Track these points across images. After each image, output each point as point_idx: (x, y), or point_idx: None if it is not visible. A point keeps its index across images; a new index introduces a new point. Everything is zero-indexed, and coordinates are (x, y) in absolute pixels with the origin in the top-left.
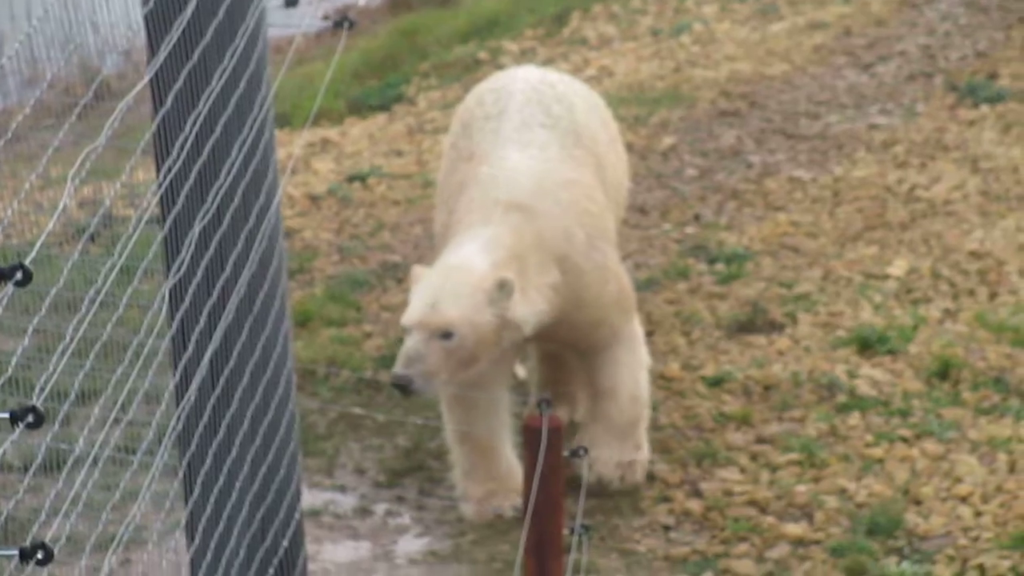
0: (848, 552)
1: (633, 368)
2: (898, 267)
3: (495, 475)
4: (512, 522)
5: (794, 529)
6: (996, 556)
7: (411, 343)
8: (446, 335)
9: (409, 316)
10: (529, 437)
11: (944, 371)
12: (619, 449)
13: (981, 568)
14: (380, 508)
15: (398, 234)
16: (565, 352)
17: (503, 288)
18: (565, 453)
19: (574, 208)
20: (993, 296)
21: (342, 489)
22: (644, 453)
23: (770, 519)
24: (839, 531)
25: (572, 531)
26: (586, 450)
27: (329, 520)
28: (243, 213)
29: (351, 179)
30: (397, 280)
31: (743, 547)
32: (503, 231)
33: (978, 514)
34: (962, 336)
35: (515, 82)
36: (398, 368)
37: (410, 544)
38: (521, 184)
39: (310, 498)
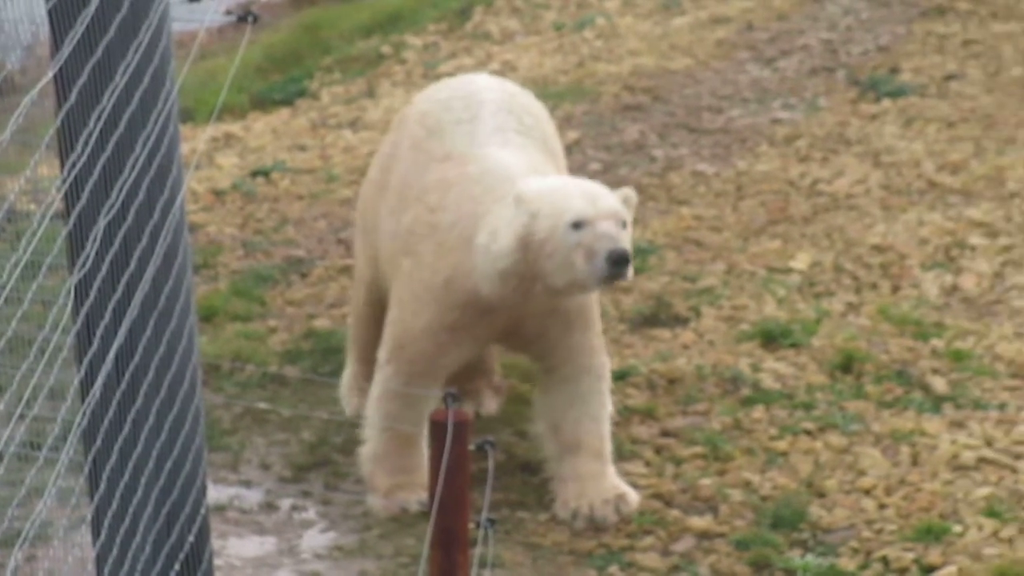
0: (753, 545)
1: (599, 421)
2: (801, 261)
3: (405, 468)
4: (418, 516)
5: (699, 522)
6: (900, 548)
7: (610, 228)
8: (624, 225)
9: (587, 209)
10: (435, 431)
11: (847, 364)
12: (600, 489)
13: (885, 560)
14: (285, 503)
15: (302, 229)
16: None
17: (627, 201)
18: (471, 447)
19: None
20: (895, 289)
21: (247, 484)
22: (625, 487)
23: (675, 512)
24: (744, 524)
25: (478, 525)
26: (492, 443)
27: (234, 515)
28: (148, 208)
29: (255, 174)
30: (301, 275)
31: (648, 540)
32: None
33: (882, 506)
34: (865, 329)
35: (483, 90)
36: (620, 245)
37: (315, 539)
38: (515, 171)
39: (215, 493)
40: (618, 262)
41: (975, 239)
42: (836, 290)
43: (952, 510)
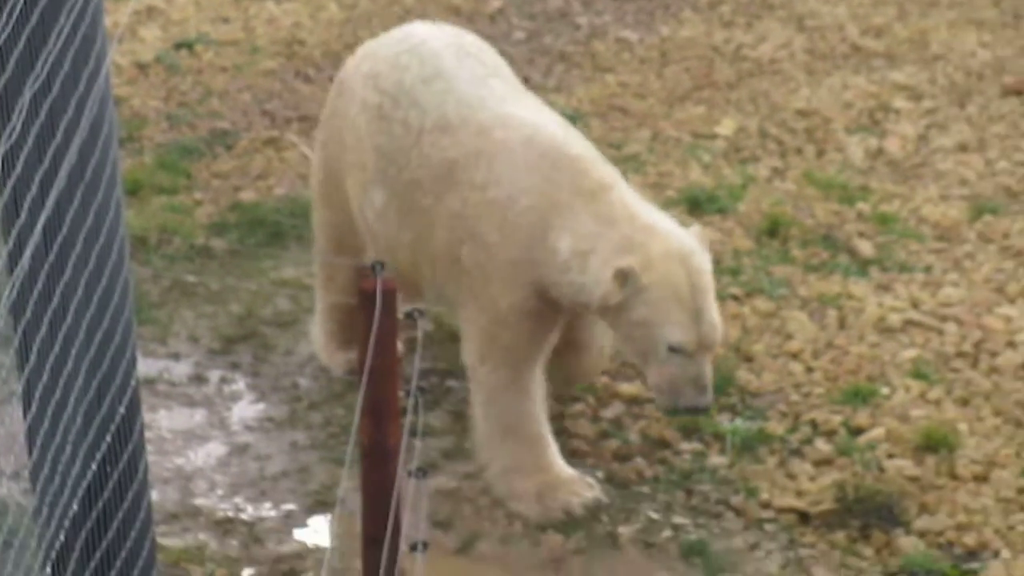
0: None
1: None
2: (726, 126)
3: (544, 466)
4: (346, 385)
5: (628, 388)
6: (827, 411)
7: (705, 370)
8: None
9: (689, 338)
10: (364, 301)
11: (773, 229)
12: None
13: (813, 423)
14: (214, 375)
15: (227, 101)
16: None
17: (702, 239)
18: (399, 315)
19: None
20: (820, 154)
21: (176, 357)
22: None
23: (604, 379)
24: None
25: (407, 393)
26: (421, 312)
27: (164, 388)
28: (73, 79)
29: (178, 46)
30: (227, 147)
31: (578, 407)
32: (626, 198)
33: (809, 370)
34: (790, 194)
35: (429, 40)
36: (702, 401)
37: (245, 410)
38: (571, 140)
39: (144, 366)
40: (692, 411)
41: (899, 102)
42: (761, 155)
43: (879, 372)
